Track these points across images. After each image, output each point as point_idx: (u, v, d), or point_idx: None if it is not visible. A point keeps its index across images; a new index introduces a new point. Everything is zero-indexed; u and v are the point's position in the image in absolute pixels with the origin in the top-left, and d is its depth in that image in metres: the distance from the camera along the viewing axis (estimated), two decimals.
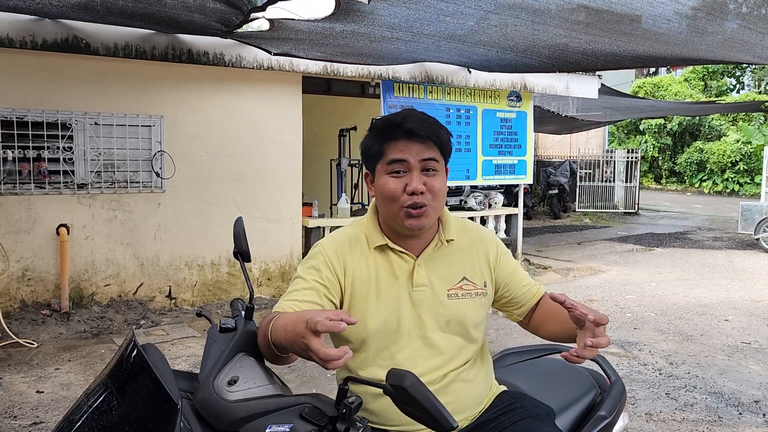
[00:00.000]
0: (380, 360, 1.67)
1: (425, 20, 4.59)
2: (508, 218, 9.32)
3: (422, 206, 1.64)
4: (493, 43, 5.37)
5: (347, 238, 1.75)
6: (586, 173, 16.63)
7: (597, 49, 5.20)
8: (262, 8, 4.88)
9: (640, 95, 22.82)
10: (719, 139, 23.58)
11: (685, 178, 24.61)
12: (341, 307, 1.68)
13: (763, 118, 21.97)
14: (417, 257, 1.72)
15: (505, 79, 8.14)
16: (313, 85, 7.34)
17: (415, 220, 1.65)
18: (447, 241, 1.75)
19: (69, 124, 5.68)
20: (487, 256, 1.79)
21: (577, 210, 16.41)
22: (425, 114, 1.71)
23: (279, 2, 4.57)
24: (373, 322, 1.66)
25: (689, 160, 24.05)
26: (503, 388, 1.88)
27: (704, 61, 6.10)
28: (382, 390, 1.33)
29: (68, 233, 5.65)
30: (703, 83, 26.36)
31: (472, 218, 8.68)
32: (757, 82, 27.05)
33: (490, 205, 9.07)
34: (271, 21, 4.87)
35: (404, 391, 1.28)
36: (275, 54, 6.20)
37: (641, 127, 25.15)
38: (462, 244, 1.78)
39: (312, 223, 7.06)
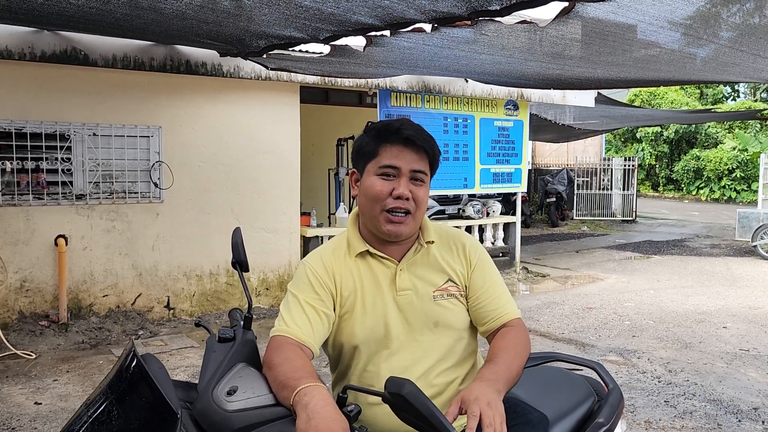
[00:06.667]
0: (372, 366, 1.70)
1: (420, 58, 4.70)
2: (506, 226, 9.34)
3: (404, 213, 1.66)
4: (487, 72, 5.50)
5: (332, 248, 1.77)
6: (583, 181, 16.66)
7: (591, 76, 5.30)
8: (259, 54, 5.00)
9: (636, 104, 22.92)
10: (716, 147, 23.65)
11: (682, 185, 24.67)
12: (335, 319, 1.71)
13: (759, 125, 22.05)
14: (399, 261, 1.73)
15: (502, 88, 8.18)
16: (310, 94, 7.37)
17: (394, 227, 1.66)
18: (427, 243, 1.75)
19: (67, 135, 5.70)
20: (468, 259, 1.78)
21: (574, 218, 16.43)
22: (420, 126, 1.74)
23: (275, 50, 4.72)
24: (362, 331, 1.69)
25: (686, 168, 24.12)
26: None
27: (696, 81, 6.21)
28: (380, 398, 1.34)
29: (66, 244, 5.65)
30: (699, 91, 26.47)
31: (470, 227, 8.70)
32: (752, 90, 27.19)
33: (488, 214, 9.09)
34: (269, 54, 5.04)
35: (402, 398, 1.29)
36: (272, 69, 6.24)
37: (638, 135, 25.24)
38: (443, 247, 1.78)
39: (310, 232, 7.07)
